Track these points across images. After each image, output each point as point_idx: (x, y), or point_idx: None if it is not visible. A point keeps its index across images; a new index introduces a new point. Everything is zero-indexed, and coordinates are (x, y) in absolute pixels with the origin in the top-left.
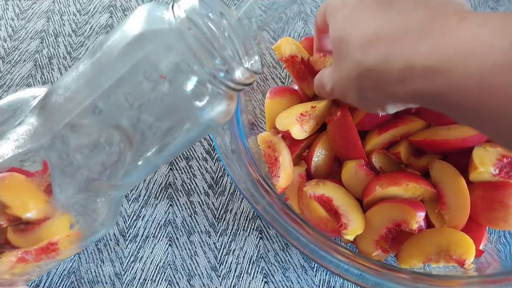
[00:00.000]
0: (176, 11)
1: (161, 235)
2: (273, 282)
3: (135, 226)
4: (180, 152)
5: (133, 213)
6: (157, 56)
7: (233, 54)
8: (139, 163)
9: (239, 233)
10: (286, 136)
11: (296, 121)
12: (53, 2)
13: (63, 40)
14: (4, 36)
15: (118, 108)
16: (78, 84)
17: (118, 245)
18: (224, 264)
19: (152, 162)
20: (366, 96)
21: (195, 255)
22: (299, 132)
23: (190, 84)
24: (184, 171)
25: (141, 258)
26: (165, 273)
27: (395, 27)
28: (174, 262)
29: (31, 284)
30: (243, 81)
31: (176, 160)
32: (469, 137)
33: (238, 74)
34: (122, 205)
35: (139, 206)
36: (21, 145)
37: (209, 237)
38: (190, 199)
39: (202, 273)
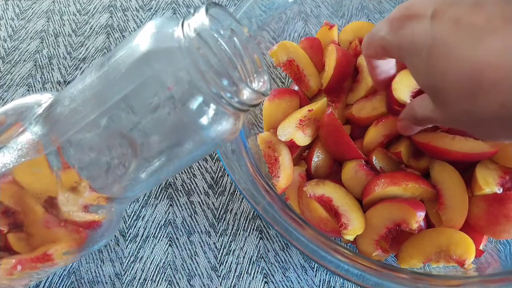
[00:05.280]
0: (186, 29)
1: (161, 235)
2: (273, 282)
3: (135, 226)
4: (185, 167)
5: (133, 213)
6: (164, 75)
7: (242, 74)
8: (143, 178)
9: (239, 233)
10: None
11: (297, 129)
12: (53, 2)
13: (63, 40)
14: (4, 36)
15: (123, 123)
16: (84, 97)
17: (118, 245)
18: (224, 264)
19: (156, 177)
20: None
21: (195, 255)
22: (302, 138)
23: (197, 104)
24: (184, 171)
25: (141, 258)
26: (165, 273)
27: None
28: (174, 262)
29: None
30: (250, 102)
31: None
32: (470, 154)
33: (246, 95)
34: None
35: (139, 206)
36: (24, 154)
37: (209, 237)
38: (190, 199)
39: (202, 273)
